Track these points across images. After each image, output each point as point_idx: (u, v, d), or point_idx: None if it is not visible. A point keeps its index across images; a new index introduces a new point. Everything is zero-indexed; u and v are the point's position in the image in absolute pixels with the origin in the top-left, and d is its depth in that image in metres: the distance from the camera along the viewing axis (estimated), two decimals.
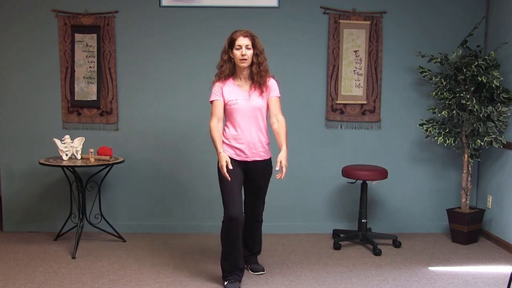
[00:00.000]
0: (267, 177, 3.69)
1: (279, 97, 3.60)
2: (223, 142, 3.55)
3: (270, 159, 3.67)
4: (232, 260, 3.57)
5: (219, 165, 3.42)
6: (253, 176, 3.61)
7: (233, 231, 3.50)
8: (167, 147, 4.90)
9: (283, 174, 3.44)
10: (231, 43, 3.48)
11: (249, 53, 3.46)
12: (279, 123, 3.54)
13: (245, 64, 3.48)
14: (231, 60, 3.51)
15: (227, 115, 3.56)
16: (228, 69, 3.51)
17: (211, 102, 3.55)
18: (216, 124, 3.51)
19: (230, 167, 3.38)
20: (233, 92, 3.51)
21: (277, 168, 3.43)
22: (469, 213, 4.65)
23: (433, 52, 4.71)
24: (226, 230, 3.53)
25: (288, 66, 4.75)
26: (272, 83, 3.56)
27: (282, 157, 3.42)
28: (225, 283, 3.57)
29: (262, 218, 3.85)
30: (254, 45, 3.48)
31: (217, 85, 3.53)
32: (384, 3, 4.82)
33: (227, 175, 3.38)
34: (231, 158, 3.50)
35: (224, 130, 3.58)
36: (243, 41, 3.45)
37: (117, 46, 4.81)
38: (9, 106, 4.86)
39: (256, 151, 3.56)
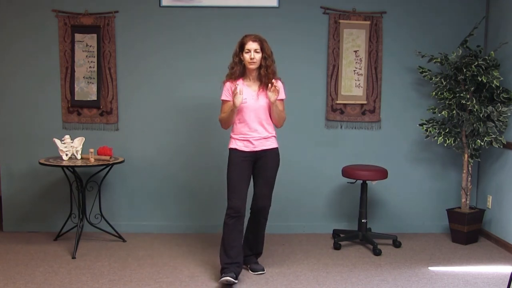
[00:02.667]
0: (275, 165, 3.85)
1: (284, 99, 3.85)
2: (232, 137, 3.78)
3: (277, 148, 3.84)
4: (231, 254, 3.65)
5: (234, 95, 3.54)
6: (262, 165, 3.78)
7: (234, 223, 3.65)
8: (167, 147, 4.90)
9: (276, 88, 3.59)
10: (241, 47, 3.71)
11: (258, 56, 3.67)
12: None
13: (254, 66, 3.69)
14: (241, 62, 3.73)
15: (237, 112, 3.73)
16: (238, 71, 3.75)
17: (222, 100, 3.78)
18: None
19: (240, 88, 3.56)
20: (242, 92, 3.66)
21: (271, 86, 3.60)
22: (469, 213, 4.65)
23: (433, 52, 4.71)
24: (227, 222, 3.67)
25: (288, 66, 4.73)
26: (279, 85, 3.74)
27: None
28: (222, 275, 3.61)
29: (267, 215, 3.91)
30: (262, 49, 3.69)
31: (228, 85, 3.74)
32: (384, 3, 4.82)
33: (237, 91, 3.53)
34: (241, 151, 3.72)
35: (233, 126, 3.80)
36: (252, 45, 3.66)
37: (117, 46, 4.81)
38: (9, 106, 4.86)
39: (263, 142, 3.76)
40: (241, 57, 3.70)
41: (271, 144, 3.79)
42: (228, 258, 3.66)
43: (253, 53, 3.64)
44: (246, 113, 3.70)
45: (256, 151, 3.73)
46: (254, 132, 3.72)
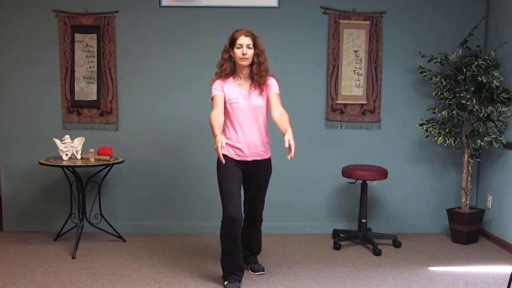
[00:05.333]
0: (267, 177, 3.70)
1: (279, 94, 3.59)
2: None
3: (269, 158, 3.69)
4: (232, 260, 3.58)
5: (215, 146, 3.26)
6: (252, 175, 3.63)
7: (232, 230, 3.50)
8: (167, 147, 4.90)
9: (292, 153, 3.28)
10: (232, 42, 3.50)
11: (250, 52, 3.47)
12: (281, 113, 3.47)
13: (246, 63, 3.49)
14: (231, 59, 3.53)
15: (227, 114, 3.56)
16: (228, 68, 3.53)
17: (212, 97, 3.53)
18: (216, 114, 3.44)
19: (224, 145, 3.26)
20: (233, 91, 3.52)
21: (286, 146, 3.27)
22: (469, 213, 4.65)
23: (433, 52, 4.71)
24: (225, 230, 3.53)
25: (288, 66, 4.75)
26: (271, 81, 3.58)
27: (289, 136, 3.29)
28: (225, 283, 3.57)
29: (262, 218, 3.85)
30: (255, 45, 3.49)
31: (218, 82, 3.54)
32: (384, 3, 4.82)
33: (222, 157, 3.26)
34: (231, 158, 3.52)
35: (224, 130, 3.57)
36: (244, 40, 3.46)
37: (117, 46, 4.81)
38: (9, 106, 4.86)
39: (256, 151, 3.57)
40: (232, 53, 3.49)
41: (264, 154, 3.61)
42: (230, 266, 3.58)
43: (245, 49, 3.43)
44: (238, 114, 3.50)
45: (248, 161, 3.55)
46: (248, 136, 3.51)
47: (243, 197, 3.75)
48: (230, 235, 3.51)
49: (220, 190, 3.55)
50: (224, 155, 3.48)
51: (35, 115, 4.86)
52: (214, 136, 3.34)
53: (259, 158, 3.59)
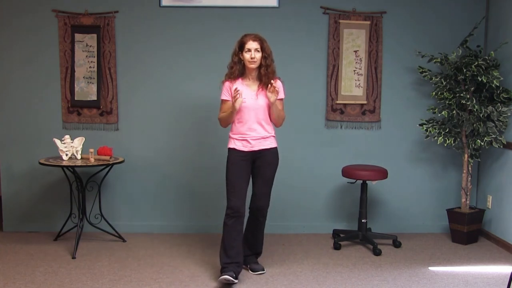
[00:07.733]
0: (274, 165, 3.84)
1: (283, 99, 3.84)
2: (231, 137, 3.78)
3: (276, 148, 3.84)
4: (230, 253, 3.66)
5: (234, 99, 3.56)
6: (260, 164, 3.78)
7: (234, 221, 3.65)
8: (167, 147, 4.90)
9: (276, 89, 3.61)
10: (241, 46, 3.71)
11: (258, 56, 3.67)
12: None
13: (254, 66, 3.70)
14: (240, 62, 3.74)
15: (236, 112, 3.72)
16: (237, 70, 3.76)
17: (222, 100, 3.78)
18: None
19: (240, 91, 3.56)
20: (242, 95, 3.66)
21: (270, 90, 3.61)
22: (469, 213, 4.65)
23: (433, 52, 4.71)
24: (227, 222, 3.67)
25: (288, 66, 4.74)
26: (279, 85, 3.76)
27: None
28: (221, 275, 3.62)
29: (266, 215, 3.91)
30: (262, 49, 3.70)
31: (227, 85, 3.75)
32: (384, 3, 4.82)
33: (238, 96, 3.54)
34: (239, 151, 3.72)
35: (232, 126, 3.80)
36: (252, 44, 3.66)
37: (117, 46, 4.81)
38: (9, 106, 4.86)
39: (262, 141, 3.75)
40: (241, 57, 3.70)
41: (270, 143, 3.79)
42: (228, 258, 3.66)
43: (253, 53, 3.64)
44: (246, 112, 3.70)
45: (255, 151, 3.73)
46: (253, 132, 3.72)
47: (252, 191, 3.85)
48: (232, 227, 3.66)
49: (226, 182, 3.74)
50: (233, 149, 3.75)
51: (35, 115, 4.86)
52: (232, 108, 3.63)
53: (266, 147, 3.77)
